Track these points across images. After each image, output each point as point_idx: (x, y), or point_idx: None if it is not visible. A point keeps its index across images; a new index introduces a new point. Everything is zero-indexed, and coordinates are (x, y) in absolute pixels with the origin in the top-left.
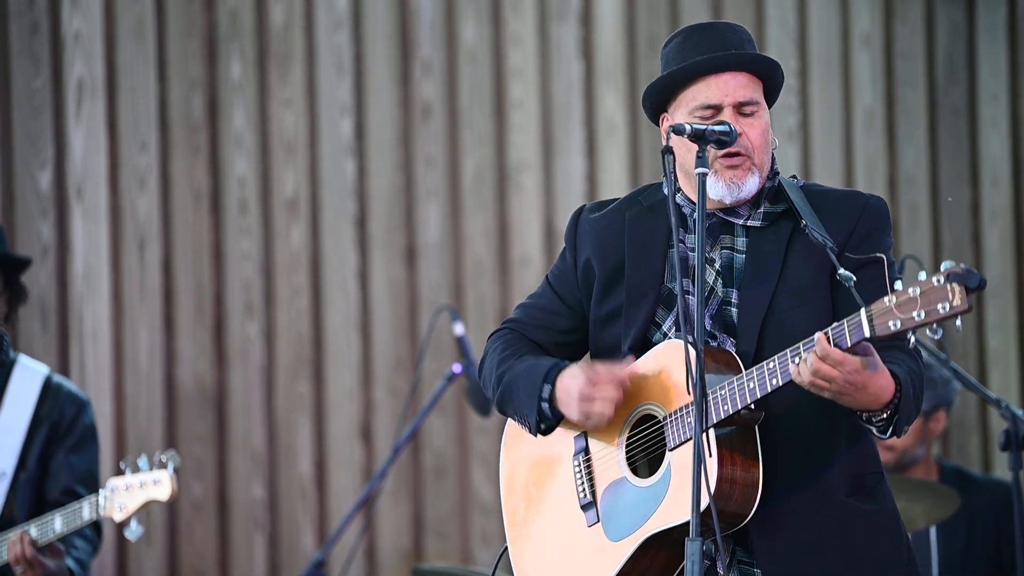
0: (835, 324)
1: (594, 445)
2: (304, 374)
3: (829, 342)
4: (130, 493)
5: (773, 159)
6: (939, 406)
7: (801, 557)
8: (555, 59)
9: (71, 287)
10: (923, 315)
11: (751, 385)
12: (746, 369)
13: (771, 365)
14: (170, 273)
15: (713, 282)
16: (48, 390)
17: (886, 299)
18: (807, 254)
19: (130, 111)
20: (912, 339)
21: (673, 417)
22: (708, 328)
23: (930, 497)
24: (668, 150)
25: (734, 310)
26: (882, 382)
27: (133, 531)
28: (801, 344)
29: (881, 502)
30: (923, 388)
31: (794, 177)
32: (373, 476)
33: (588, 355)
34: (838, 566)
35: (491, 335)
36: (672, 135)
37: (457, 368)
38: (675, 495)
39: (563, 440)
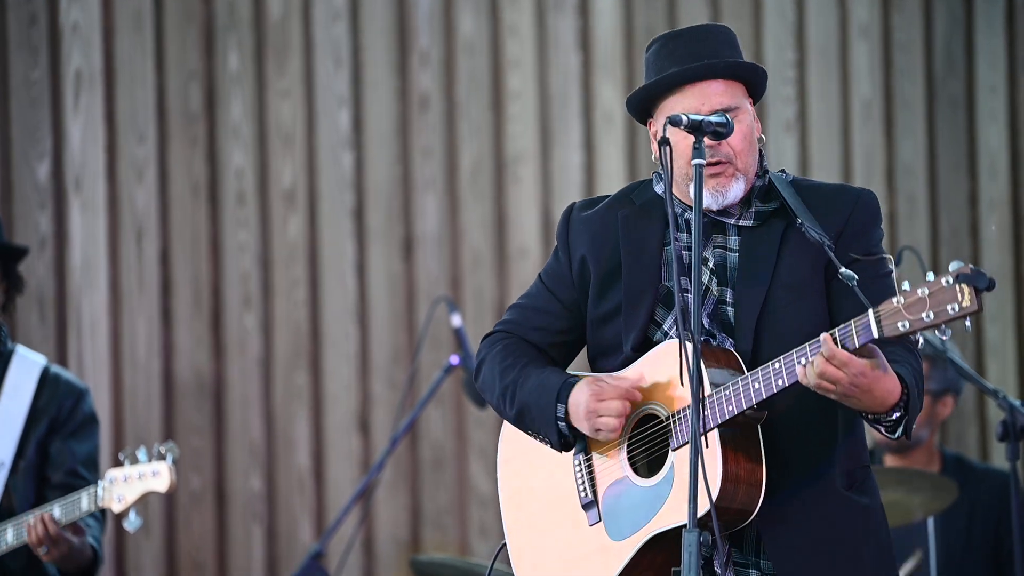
0: (842, 325)
1: (595, 445)
2: (302, 366)
3: (836, 343)
4: (129, 484)
5: (762, 156)
6: (948, 390)
7: (807, 550)
8: (553, 50)
9: (69, 278)
10: (932, 316)
11: (756, 386)
12: (745, 368)
13: (776, 366)
14: (168, 264)
15: (708, 281)
16: (46, 380)
17: (894, 300)
18: (800, 251)
19: (128, 102)
20: (920, 339)
21: (677, 417)
22: (706, 327)
23: (929, 488)
24: (665, 141)
25: (730, 309)
26: (888, 385)
27: (132, 522)
28: (807, 345)
29: (871, 497)
30: (924, 384)
31: (783, 172)
32: (371, 468)
33: (586, 354)
34: (841, 559)
35: (485, 338)
36: (668, 127)
37: (455, 360)
38: (679, 495)
39: None
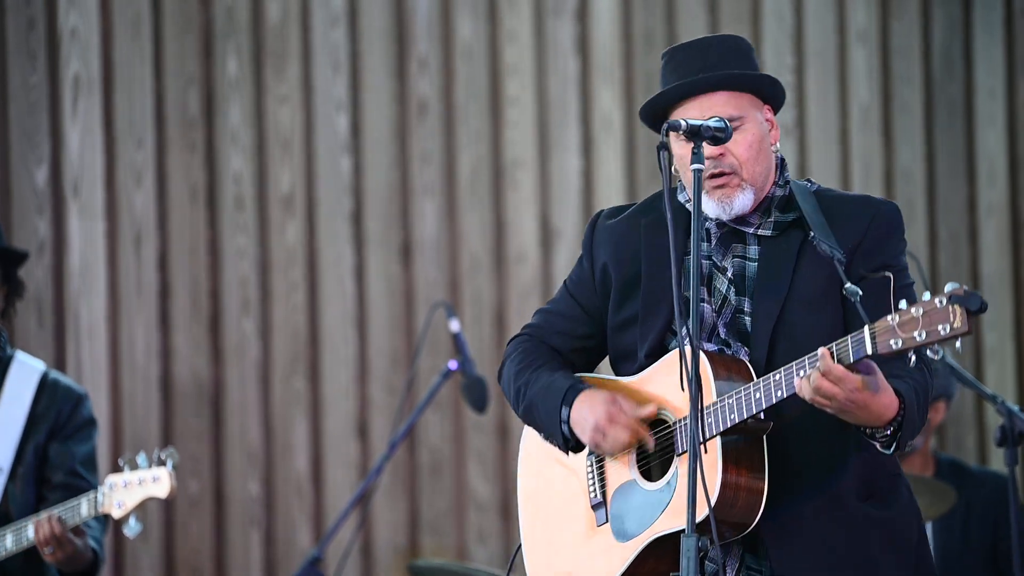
0: (839, 340)
1: None
2: (300, 371)
3: (832, 358)
4: (128, 490)
5: (783, 166)
6: (940, 396)
7: (814, 564)
8: (551, 55)
9: (67, 283)
10: (924, 335)
11: (757, 396)
12: (759, 378)
13: (777, 377)
14: (166, 270)
15: (726, 291)
16: (45, 386)
17: (889, 317)
18: (818, 263)
19: (126, 108)
20: (912, 359)
21: (683, 423)
22: (722, 336)
23: (927, 493)
24: (663, 146)
25: (747, 318)
26: (885, 401)
27: (132, 528)
28: (807, 358)
29: (895, 507)
30: (928, 400)
31: (808, 181)
32: (369, 472)
33: (608, 360)
34: (851, 572)
35: (510, 340)
36: (670, 132)
37: (453, 365)
38: (681, 499)
39: None
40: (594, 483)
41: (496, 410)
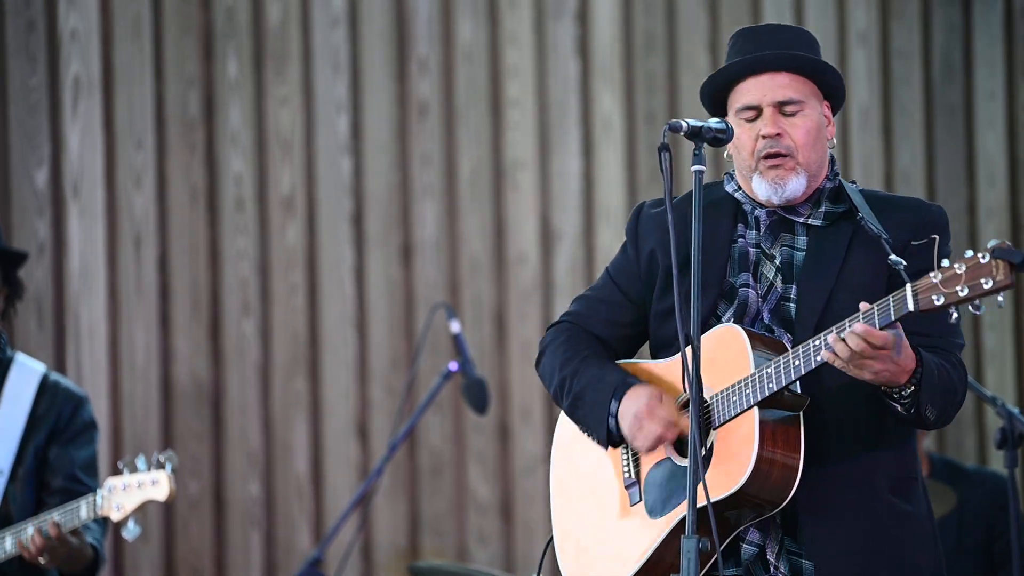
0: (881, 300)
1: None
2: (300, 372)
3: (874, 314)
4: (128, 493)
5: (833, 161)
6: None
7: (848, 547)
8: (552, 57)
9: (67, 285)
10: (967, 290)
11: (796, 363)
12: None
13: (816, 342)
14: (166, 271)
15: (773, 278)
16: (45, 388)
17: (931, 274)
18: (867, 254)
19: (126, 109)
20: (955, 315)
21: (721, 395)
22: (766, 322)
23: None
24: (664, 147)
25: (792, 305)
26: (908, 352)
27: (131, 531)
28: (847, 321)
29: (918, 506)
30: (955, 390)
31: (853, 183)
32: (369, 474)
33: (648, 347)
34: (881, 560)
35: (551, 326)
36: (668, 132)
37: (453, 366)
38: (715, 471)
39: None
40: (628, 464)
41: (496, 411)
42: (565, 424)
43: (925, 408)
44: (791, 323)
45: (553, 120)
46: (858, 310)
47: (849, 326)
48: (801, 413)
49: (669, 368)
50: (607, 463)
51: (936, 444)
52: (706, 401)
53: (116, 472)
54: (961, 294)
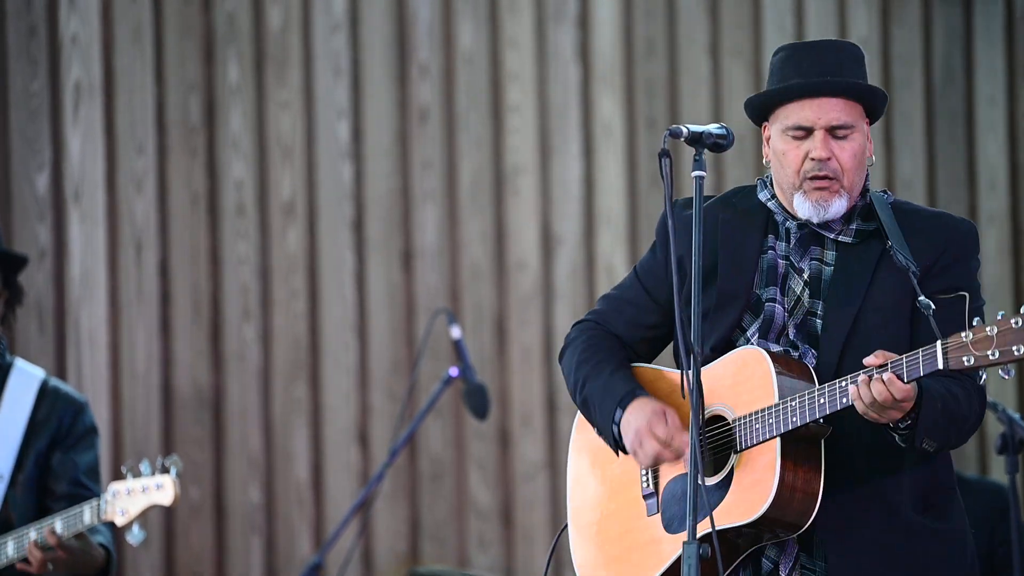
0: (910, 353)
1: None
2: (301, 378)
3: (902, 369)
4: (132, 498)
5: (866, 176)
6: None
7: (865, 566)
8: (552, 62)
9: (68, 290)
10: (997, 355)
11: (821, 401)
12: (820, 382)
13: (843, 384)
14: (167, 276)
15: (800, 292)
16: (45, 393)
17: (963, 334)
18: (894, 275)
19: (127, 114)
20: (983, 376)
21: (744, 420)
22: (791, 338)
23: None
24: (665, 153)
25: (819, 322)
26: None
27: (135, 536)
28: (875, 370)
29: (950, 520)
30: (964, 418)
31: (885, 192)
32: (370, 480)
33: (672, 350)
34: None
35: (575, 323)
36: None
37: (454, 371)
38: (735, 497)
39: None
40: (647, 473)
41: (497, 417)
42: (582, 426)
43: (922, 441)
44: (815, 339)
45: (553, 125)
46: (881, 333)
47: (878, 373)
48: (823, 440)
49: (704, 377)
50: (626, 470)
51: None
52: (728, 424)
53: (118, 477)
54: (992, 358)
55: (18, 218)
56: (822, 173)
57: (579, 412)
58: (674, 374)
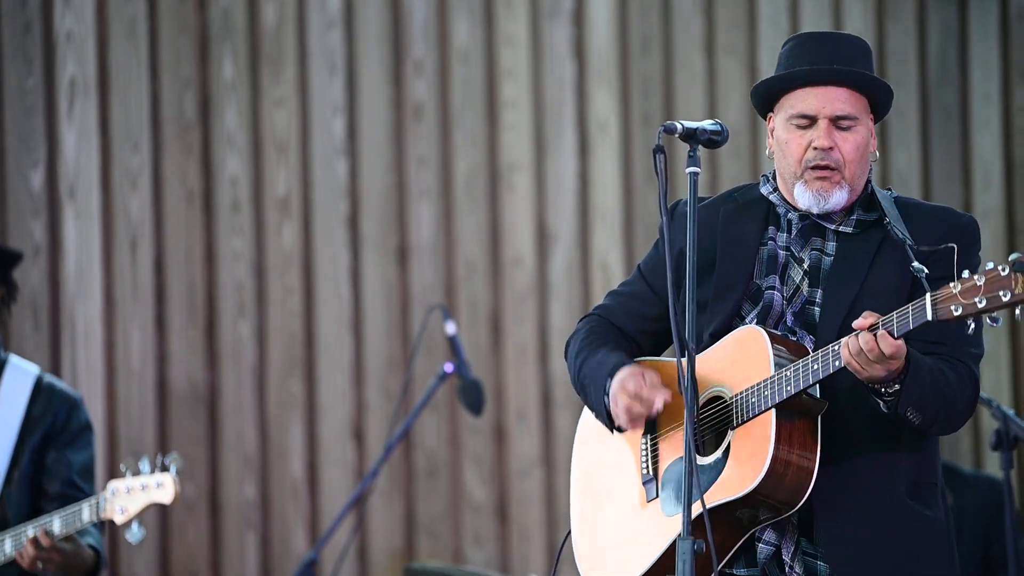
0: (899, 308)
1: (662, 424)
2: (296, 374)
3: (893, 323)
4: (131, 496)
5: (869, 171)
6: None
7: (864, 550)
8: (547, 59)
9: (63, 287)
10: (984, 302)
11: (815, 367)
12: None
13: (835, 348)
14: (162, 273)
15: (800, 281)
16: (40, 390)
17: (951, 284)
18: (893, 262)
19: (122, 111)
20: (972, 326)
21: (741, 396)
22: (789, 325)
23: None
24: (659, 149)
25: (817, 309)
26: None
27: (135, 534)
28: (867, 330)
29: (936, 511)
30: (953, 398)
31: (889, 190)
32: (365, 476)
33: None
34: (897, 564)
35: (581, 319)
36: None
37: (449, 367)
38: (731, 471)
39: None
40: (647, 459)
41: (492, 413)
42: (587, 418)
43: (907, 410)
44: (814, 326)
45: (549, 122)
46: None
47: (870, 332)
48: (819, 416)
49: (703, 361)
50: (627, 458)
51: None
52: (727, 401)
53: (114, 474)
54: (979, 305)
55: (13, 214)
56: (824, 163)
57: (583, 410)
58: (671, 363)
